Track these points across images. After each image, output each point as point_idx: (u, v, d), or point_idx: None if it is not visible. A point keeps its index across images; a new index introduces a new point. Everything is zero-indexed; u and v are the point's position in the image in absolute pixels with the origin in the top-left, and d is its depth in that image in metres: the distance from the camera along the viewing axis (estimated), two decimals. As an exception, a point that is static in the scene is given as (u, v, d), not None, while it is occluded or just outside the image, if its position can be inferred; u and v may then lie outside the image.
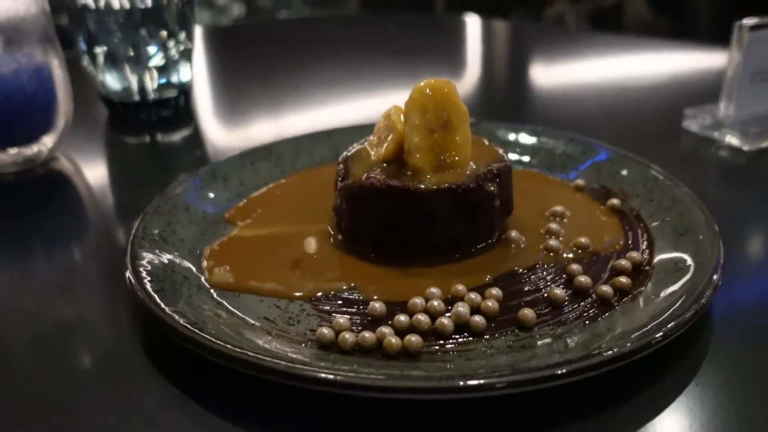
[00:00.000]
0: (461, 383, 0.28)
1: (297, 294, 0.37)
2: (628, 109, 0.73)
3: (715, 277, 0.35)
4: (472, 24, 1.23)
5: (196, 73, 0.94)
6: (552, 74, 0.93)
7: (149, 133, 0.68)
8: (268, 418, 0.30)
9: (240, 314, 0.36)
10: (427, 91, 0.39)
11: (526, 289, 0.38)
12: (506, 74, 0.97)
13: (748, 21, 0.56)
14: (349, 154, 0.43)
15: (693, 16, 2.16)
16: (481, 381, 0.29)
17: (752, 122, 0.58)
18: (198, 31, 1.28)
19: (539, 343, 0.33)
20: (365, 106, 0.80)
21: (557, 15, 2.40)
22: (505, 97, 0.85)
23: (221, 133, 0.72)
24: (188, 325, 0.32)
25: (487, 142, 0.45)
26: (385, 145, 0.41)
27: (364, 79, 0.90)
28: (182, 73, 0.69)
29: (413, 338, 0.32)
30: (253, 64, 0.97)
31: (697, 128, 0.61)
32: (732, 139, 0.58)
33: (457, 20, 1.28)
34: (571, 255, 0.40)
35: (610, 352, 0.30)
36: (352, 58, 1.00)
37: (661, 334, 0.31)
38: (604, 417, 0.30)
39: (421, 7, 2.59)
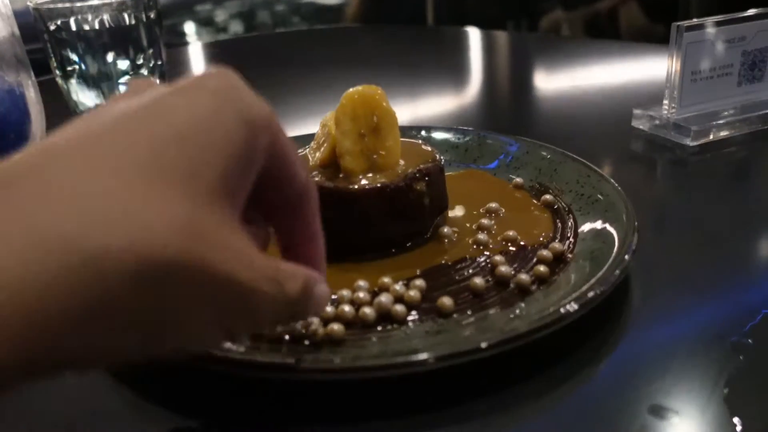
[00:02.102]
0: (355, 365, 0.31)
1: (235, 290, 0.40)
2: (583, 112, 0.76)
3: (625, 260, 0.37)
4: (473, 35, 1.25)
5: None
6: (543, 82, 0.95)
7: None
8: (215, 409, 0.33)
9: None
10: (357, 97, 0.42)
11: (452, 280, 0.40)
12: (499, 83, 0.99)
13: (685, 22, 0.58)
14: (291, 159, 0.46)
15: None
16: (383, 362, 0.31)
17: (694, 119, 0.60)
18: (198, 46, 1.32)
19: (456, 327, 0.35)
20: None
21: (553, 23, 2.42)
22: (466, 101, 0.87)
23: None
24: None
25: (423, 146, 0.47)
26: (321, 149, 0.44)
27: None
28: (154, 91, 0.72)
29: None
30: (246, 77, 1.00)
31: (646, 127, 0.64)
32: (674, 137, 0.60)
33: (457, 32, 1.30)
34: (498, 248, 0.43)
35: (516, 331, 0.32)
36: (352, 71, 1.02)
37: (563, 311, 0.33)
38: (503, 395, 0.32)
39: (413, 21, 2.63)
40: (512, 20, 2.57)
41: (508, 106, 0.84)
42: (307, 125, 0.76)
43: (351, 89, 0.42)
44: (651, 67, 0.90)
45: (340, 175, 0.42)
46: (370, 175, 0.42)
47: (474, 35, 1.25)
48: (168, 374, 0.34)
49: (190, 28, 3.11)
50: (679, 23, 0.58)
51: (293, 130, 0.74)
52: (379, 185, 0.41)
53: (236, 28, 3.30)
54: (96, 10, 0.65)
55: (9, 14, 0.59)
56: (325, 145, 0.44)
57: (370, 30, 1.60)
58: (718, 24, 0.59)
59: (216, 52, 1.27)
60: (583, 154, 0.51)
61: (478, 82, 0.99)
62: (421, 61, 1.06)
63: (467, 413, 0.31)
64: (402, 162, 0.43)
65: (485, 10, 2.65)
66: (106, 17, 0.66)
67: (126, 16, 0.66)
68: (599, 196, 0.46)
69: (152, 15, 0.68)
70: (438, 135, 0.58)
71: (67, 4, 0.66)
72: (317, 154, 0.44)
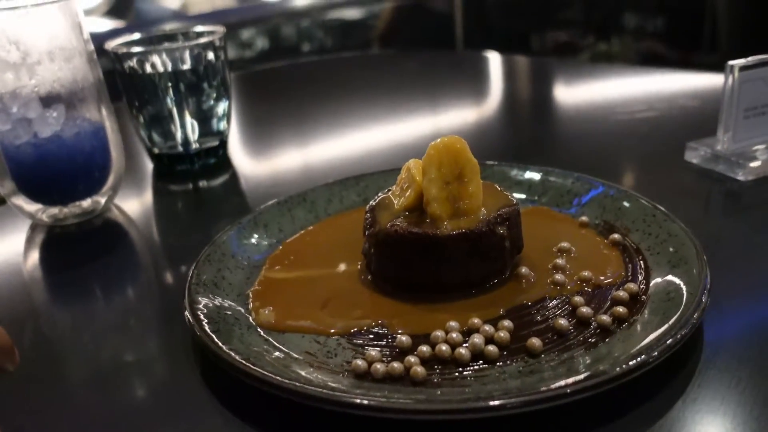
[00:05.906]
0: (479, 404, 0.34)
1: (333, 330, 0.43)
2: (636, 142, 0.78)
3: (702, 302, 0.40)
4: (493, 60, 1.28)
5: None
6: (567, 108, 0.98)
7: (192, 182, 0.75)
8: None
9: (285, 349, 0.41)
10: (442, 147, 0.45)
11: (534, 320, 0.43)
12: (525, 109, 1.02)
13: (738, 62, 0.61)
14: (374, 203, 0.49)
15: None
16: (496, 402, 0.34)
17: (747, 154, 0.63)
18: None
19: (546, 367, 0.38)
20: (391, 144, 0.86)
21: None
22: (523, 133, 0.90)
23: (257, 177, 0.78)
24: (243, 361, 0.38)
25: (498, 188, 0.50)
26: (406, 195, 0.47)
27: (389, 118, 0.96)
28: (221, 125, 0.76)
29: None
30: (280, 107, 1.04)
31: (698, 160, 0.66)
32: (728, 172, 0.63)
33: (478, 57, 1.33)
34: (575, 288, 0.45)
35: (608, 373, 0.35)
36: (376, 98, 1.07)
37: (655, 354, 0.36)
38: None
39: (442, 43, 2.66)
40: (536, 39, 2.58)
41: (556, 138, 0.87)
42: (337, 157, 0.80)
43: (437, 140, 0.45)
44: (699, 96, 0.92)
45: (427, 220, 0.45)
46: (455, 220, 0.45)
47: (521, 62, 1.28)
48: (276, 409, 0.37)
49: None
50: (732, 63, 0.61)
51: (326, 163, 0.79)
52: (465, 231, 0.44)
53: (262, 44, 3.35)
54: (170, 52, 0.69)
55: (95, 59, 0.63)
56: (410, 191, 0.46)
57: (393, 56, 1.64)
58: (770, 63, 0.62)
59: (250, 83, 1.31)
60: (635, 188, 0.54)
61: (522, 111, 1.01)
62: (446, 88, 1.10)
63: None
64: (482, 208, 0.46)
65: (510, 24, 2.67)
66: (179, 58, 0.69)
67: (199, 57, 0.70)
68: (667, 235, 0.48)
69: (222, 56, 0.71)
70: (499, 170, 0.61)
71: (142, 48, 0.70)
72: (401, 200, 0.47)
